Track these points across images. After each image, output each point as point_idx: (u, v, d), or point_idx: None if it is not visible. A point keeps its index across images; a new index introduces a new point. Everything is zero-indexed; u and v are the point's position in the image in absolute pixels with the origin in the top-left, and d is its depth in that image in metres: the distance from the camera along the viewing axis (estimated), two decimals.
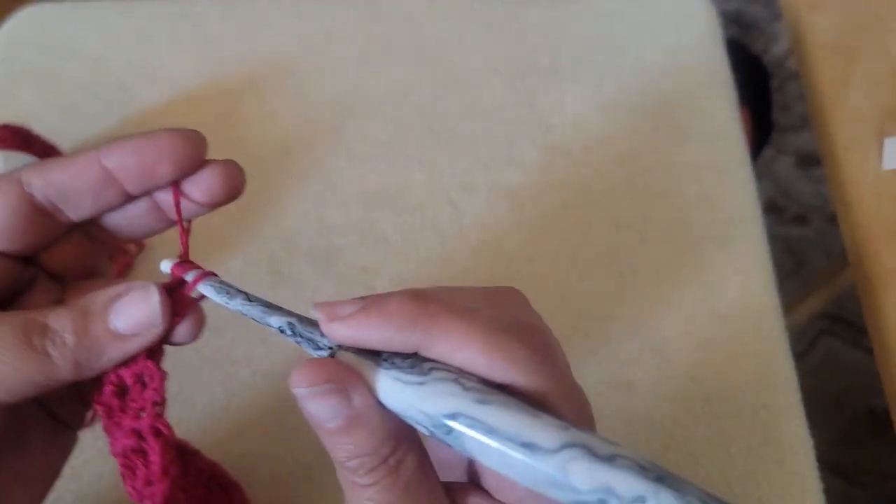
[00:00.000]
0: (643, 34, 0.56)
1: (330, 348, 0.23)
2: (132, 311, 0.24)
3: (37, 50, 0.57)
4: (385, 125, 0.53)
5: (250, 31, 0.58)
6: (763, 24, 1.37)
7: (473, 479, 0.24)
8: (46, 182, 0.25)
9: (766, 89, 1.05)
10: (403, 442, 0.23)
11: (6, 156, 0.45)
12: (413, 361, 0.22)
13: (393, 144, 0.52)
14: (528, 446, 0.19)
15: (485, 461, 0.20)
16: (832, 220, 1.18)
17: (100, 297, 0.24)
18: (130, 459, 0.25)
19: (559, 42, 0.56)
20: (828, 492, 0.38)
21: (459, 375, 0.21)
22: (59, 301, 0.27)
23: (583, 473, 0.19)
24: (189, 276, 0.26)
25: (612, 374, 0.42)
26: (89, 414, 0.29)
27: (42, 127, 0.49)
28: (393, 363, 0.22)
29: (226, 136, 0.53)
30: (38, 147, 0.47)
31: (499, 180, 0.50)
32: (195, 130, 0.26)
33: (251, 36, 0.57)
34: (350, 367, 0.22)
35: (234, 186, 0.27)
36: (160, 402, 0.25)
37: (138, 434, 0.25)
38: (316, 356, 0.23)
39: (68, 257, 0.27)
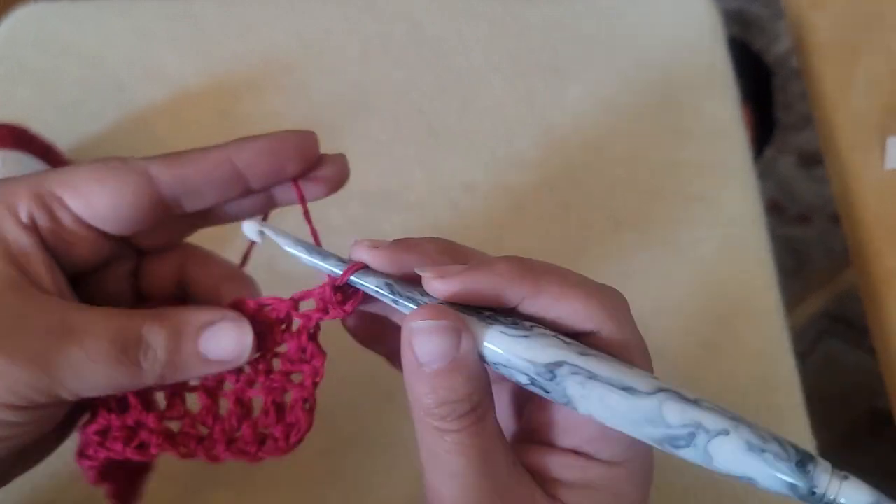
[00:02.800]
0: (644, 33, 0.56)
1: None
2: (224, 342, 0.26)
3: (35, 49, 0.57)
4: (385, 123, 0.53)
5: (249, 29, 0.58)
6: (765, 23, 1.37)
7: (528, 437, 0.26)
8: (176, 178, 0.26)
9: (767, 88, 1.05)
10: (489, 396, 0.24)
11: (4, 155, 0.45)
12: (514, 320, 0.24)
13: (393, 144, 0.52)
14: (628, 389, 0.23)
15: (582, 405, 0.23)
16: (834, 219, 1.18)
17: (193, 318, 0.26)
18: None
19: (560, 41, 0.56)
20: None
21: (557, 334, 0.24)
22: (134, 272, 0.29)
23: (676, 412, 0.22)
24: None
25: None
26: None
27: (40, 126, 0.49)
28: (496, 319, 0.24)
29: (225, 135, 0.52)
30: (36, 146, 0.47)
31: (499, 180, 0.50)
32: (311, 131, 0.28)
33: (250, 35, 0.57)
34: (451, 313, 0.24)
35: (343, 177, 0.30)
36: (318, 381, 0.27)
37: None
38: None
39: (161, 237, 0.29)
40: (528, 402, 0.27)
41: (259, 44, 0.57)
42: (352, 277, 0.26)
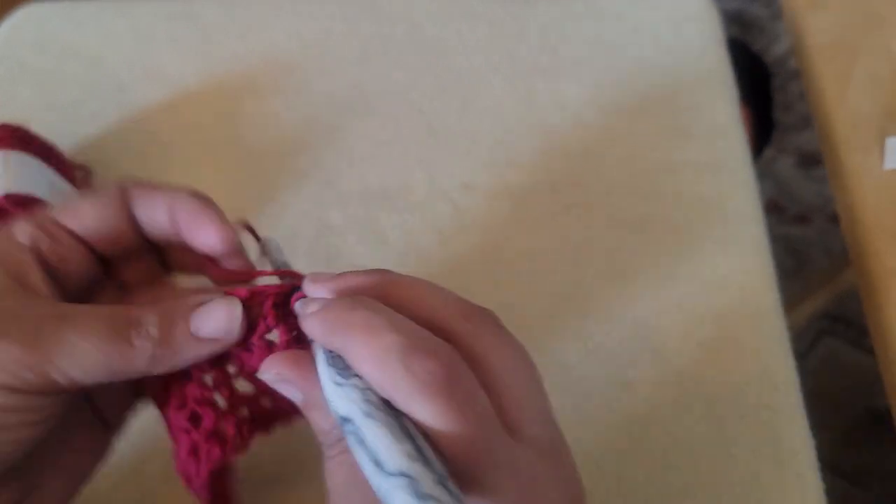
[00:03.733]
0: (644, 33, 0.56)
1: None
2: (214, 318, 0.27)
3: (35, 49, 0.57)
4: (385, 124, 0.53)
5: (250, 30, 0.58)
6: (764, 24, 1.37)
7: None
8: (142, 193, 0.29)
9: (767, 89, 1.05)
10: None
11: (5, 155, 0.45)
12: (346, 364, 0.24)
13: (393, 144, 0.52)
14: (376, 463, 0.22)
15: (360, 463, 0.23)
16: (833, 219, 1.18)
17: (185, 301, 0.27)
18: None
19: (559, 41, 0.56)
20: (829, 492, 0.38)
21: (370, 388, 0.23)
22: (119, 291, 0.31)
23: (401, 502, 0.21)
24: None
25: (613, 374, 0.42)
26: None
27: (41, 126, 0.49)
28: (335, 361, 0.25)
29: (226, 135, 0.53)
30: (36, 146, 0.47)
31: (499, 180, 0.50)
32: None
33: (251, 35, 0.57)
34: (308, 358, 0.25)
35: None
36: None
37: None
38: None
39: (139, 271, 0.31)
40: None
41: (259, 44, 0.57)
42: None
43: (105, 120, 0.53)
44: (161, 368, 0.27)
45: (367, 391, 0.23)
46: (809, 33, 0.57)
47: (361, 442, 0.22)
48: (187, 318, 0.27)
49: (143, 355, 0.26)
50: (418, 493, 0.21)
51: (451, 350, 0.24)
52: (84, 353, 0.25)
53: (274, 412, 0.30)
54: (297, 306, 0.27)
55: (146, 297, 0.31)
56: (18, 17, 0.58)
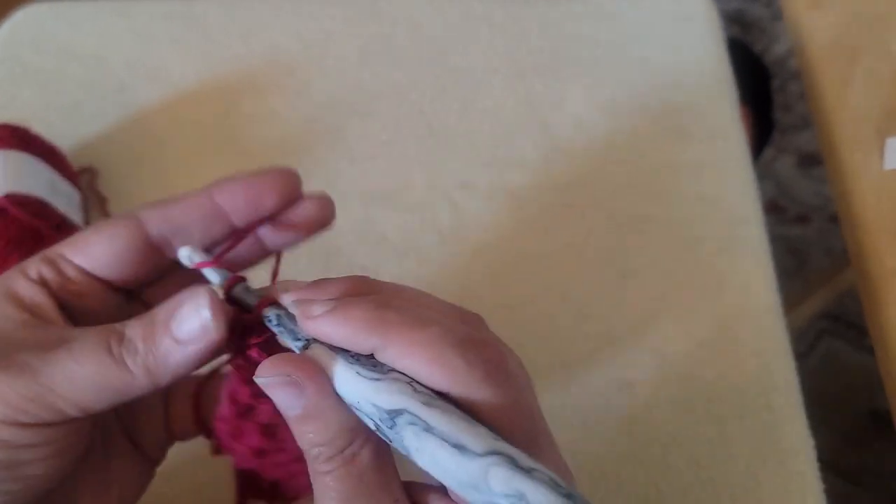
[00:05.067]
0: (644, 34, 0.56)
1: (307, 340, 0.25)
2: (187, 319, 0.26)
3: (36, 50, 0.57)
4: (385, 125, 0.53)
5: (250, 30, 0.58)
6: (764, 24, 1.37)
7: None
8: (162, 217, 0.28)
9: (767, 89, 1.05)
10: (360, 435, 0.24)
11: (6, 155, 0.45)
12: (375, 362, 0.23)
13: (393, 144, 0.52)
14: (459, 447, 0.21)
15: (419, 458, 0.22)
16: (833, 219, 1.18)
17: (165, 306, 0.26)
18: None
19: (559, 41, 0.56)
20: (829, 492, 0.38)
21: (413, 381, 0.23)
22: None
23: (501, 478, 0.20)
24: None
25: (613, 374, 0.42)
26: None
27: (41, 127, 0.49)
28: (357, 359, 0.23)
29: (226, 135, 0.53)
30: (37, 147, 0.47)
31: (499, 180, 0.50)
32: (293, 169, 0.29)
33: (251, 36, 0.57)
34: (314, 360, 0.24)
35: (326, 216, 0.31)
36: None
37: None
38: (293, 346, 0.25)
39: (166, 291, 0.29)
40: None
41: (260, 45, 0.57)
42: (235, 292, 0.27)
43: (105, 120, 0.53)
44: (163, 380, 0.26)
45: (413, 382, 0.23)
46: (810, 34, 0.57)
47: (429, 430, 0.21)
48: (168, 324, 0.26)
49: (137, 371, 0.25)
50: (520, 467, 0.20)
51: (495, 337, 0.25)
52: (82, 377, 0.24)
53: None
54: (292, 309, 0.25)
55: None
56: (18, 17, 0.58)
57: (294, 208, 0.29)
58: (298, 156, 0.51)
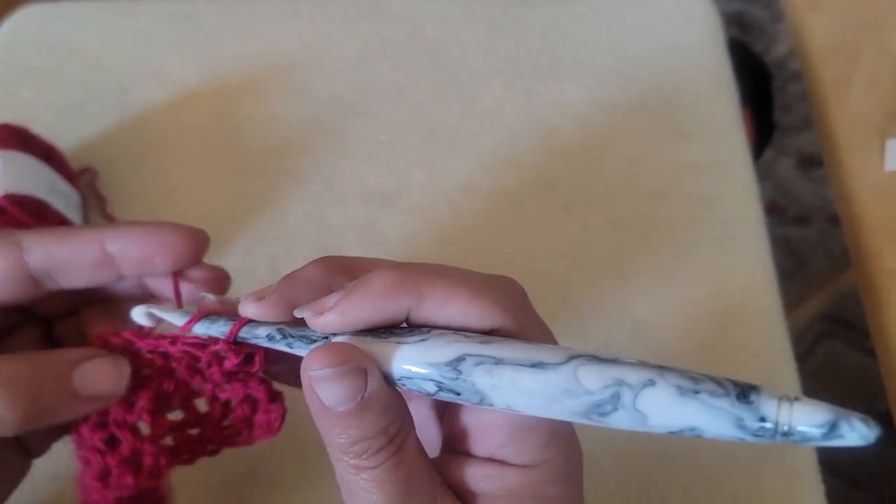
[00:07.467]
0: (644, 35, 0.56)
1: (324, 338, 0.24)
2: (99, 377, 0.25)
3: (36, 50, 0.57)
4: (385, 125, 0.53)
5: (250, 31, 0.58)
6: (764, 25, 1.37)
7: (448, 445, 0.26)
8: (46, 253, 0.26)
9: (767, 90, 1.05)
10: (406, 419, 0.23)
11: (6, 156, 0.45)
12: (409, 329, 0.23)
13: (393, 144, 0.52)
14: (538, 365, 0.21)
15: (496, 396, 0.22)
16: (833, 221, 1.18)
17: (66, 354, 0.25)
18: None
19: (559, 42, 0.56)
20: (829, 494, 0.38)
21: (456, 331, 0.23)
22: (44, 337, 0.29)
23: (593, 374, 0.21)
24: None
25: None
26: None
27: (41, 127, 0.49)
28: (391, 332, 0.23)
29: (226, 135, 0.53)
30: (37, 147, 0.47)
31: (499, 180, 0.50)
32: (197, 229, 0.28)
33: (251, 36, 0.57)
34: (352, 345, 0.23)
35: (218, 289, 0.28)
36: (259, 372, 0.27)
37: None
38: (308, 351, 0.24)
39: (56, 306, 0.28)
40: (446, 411, 0.26)
41: (260, 46, 0.57)
42: (241, 334, 0.26)
43: (105, 120, 0.53)
44: (38, 426, 0.24)
45: (458, 333, 0.23)
46: (810, 35, 0.57)
47: (500, 362, 0.21)
48: (66, 375, 0.24)
49: (10, 416, 0.24)
50: (603, 360, 0.21)
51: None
52: None
53: (201, 442, 0.28)
54: (297, 313, 0.24)
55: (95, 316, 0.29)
56: (19, 17, 0.58)
57: (190, 270, 0.28)
58: (298, 156, 0.51)
